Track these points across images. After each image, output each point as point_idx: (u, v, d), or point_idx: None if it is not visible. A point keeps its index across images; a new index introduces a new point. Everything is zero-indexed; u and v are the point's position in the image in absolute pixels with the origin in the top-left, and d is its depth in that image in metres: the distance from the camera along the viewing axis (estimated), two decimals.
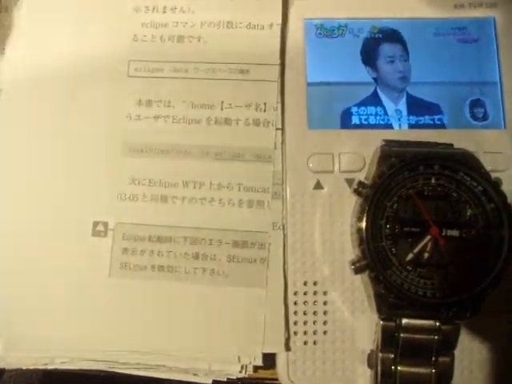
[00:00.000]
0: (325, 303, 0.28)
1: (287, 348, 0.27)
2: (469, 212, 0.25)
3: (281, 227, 0.29)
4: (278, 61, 0.30)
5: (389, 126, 0.29)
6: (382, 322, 0.25)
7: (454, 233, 0.24)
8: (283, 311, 0.28)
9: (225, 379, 0.27)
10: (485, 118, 0.29)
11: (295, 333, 0.28)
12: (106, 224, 0.29)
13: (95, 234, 0.29)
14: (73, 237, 0.29)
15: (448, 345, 0.24)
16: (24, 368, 0.27)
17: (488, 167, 0.26)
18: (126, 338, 0.28)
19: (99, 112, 0.30)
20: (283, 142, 0.29)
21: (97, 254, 0.29)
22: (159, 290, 0.28)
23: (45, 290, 0.28)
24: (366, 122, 0.29)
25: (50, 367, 0.27)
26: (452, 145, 0.27)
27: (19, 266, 0.28)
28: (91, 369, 0.27)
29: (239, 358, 0.27)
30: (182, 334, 0.28)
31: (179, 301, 0.28)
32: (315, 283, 0.28)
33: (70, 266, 0.28)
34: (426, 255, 0.24)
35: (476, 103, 0.30)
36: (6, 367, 0.27)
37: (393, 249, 0.24)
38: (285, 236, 0.28)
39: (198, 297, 0.28)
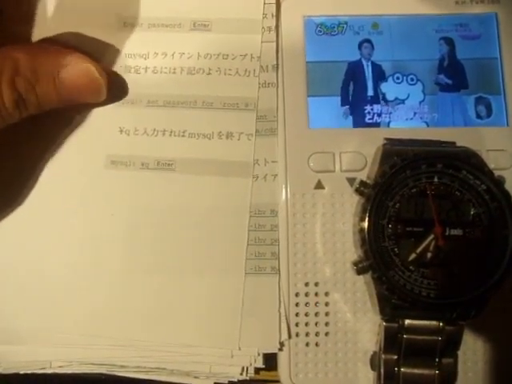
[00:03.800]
0: (326, 304, 0.27)
1: (288, 349, 0.27)
2: (472, 211, 0.24)
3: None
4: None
5: (390, 125, 0.29)
6: (384, 323, 0.24)
7: (458, 232, 0.24)
8: (284, 312, 0.27)
9: (226, 382, 0.27)
10: (488, 115, 0.29)
11: (297, 334, 0.27)
12: None
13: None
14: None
15: (452, 346, 0.24)
16: (21, 372, 0.27)
17: (491, 165, 0.26)
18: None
19: None
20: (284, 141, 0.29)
21: None
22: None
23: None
24: (367, 121, 0.29)
25: (47, 371, 0.27)
26: (454, 143, 0.27)
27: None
28: (91, 372, 0.27)
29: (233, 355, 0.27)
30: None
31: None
32: (317, 284, 0.28)
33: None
34: (429, 255, 0.24)
35: (479, 101, 0.29)
36: (3, 371, 0.27)
37: (395, 249, 0.24)
38: (282, 235, 0.28)
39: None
